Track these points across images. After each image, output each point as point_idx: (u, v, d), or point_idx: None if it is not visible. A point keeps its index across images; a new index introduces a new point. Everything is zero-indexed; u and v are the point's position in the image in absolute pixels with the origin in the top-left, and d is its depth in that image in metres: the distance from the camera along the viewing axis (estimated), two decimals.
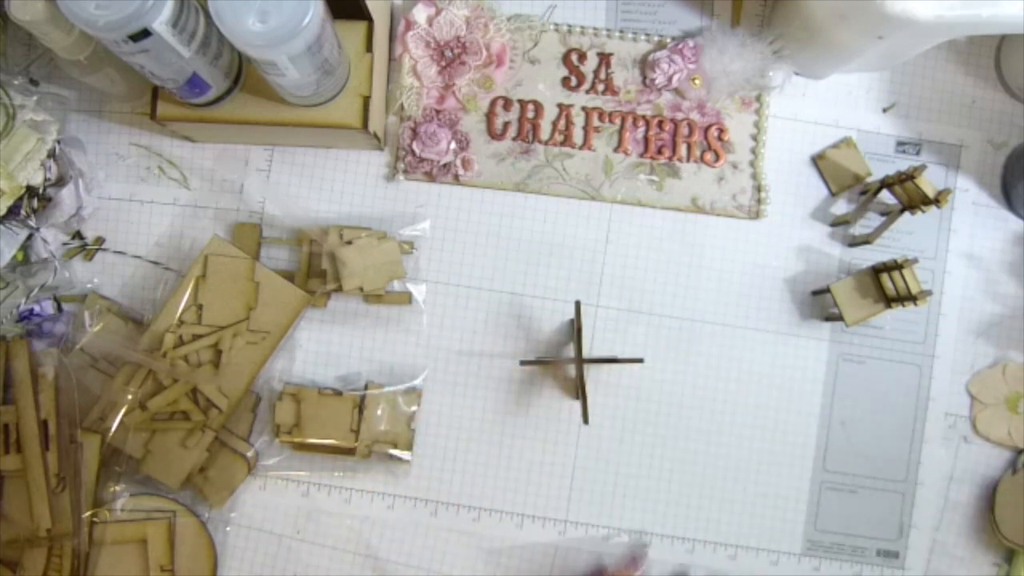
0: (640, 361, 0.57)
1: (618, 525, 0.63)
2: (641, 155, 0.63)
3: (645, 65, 0.63)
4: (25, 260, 0.61)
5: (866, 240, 0.62)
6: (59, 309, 0.62)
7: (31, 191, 0.59)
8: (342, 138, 0.61)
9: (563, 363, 0.62)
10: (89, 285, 0.63)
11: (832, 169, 0.64)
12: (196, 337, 0.60)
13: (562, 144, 0.63)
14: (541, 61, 0.64)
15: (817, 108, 0.64)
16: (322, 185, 0.64)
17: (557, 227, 0.64)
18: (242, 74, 0.57)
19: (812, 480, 0.63)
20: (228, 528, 0.62)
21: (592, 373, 0.63)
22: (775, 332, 0.63)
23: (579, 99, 0.64)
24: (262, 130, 0.59)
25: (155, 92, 0.57)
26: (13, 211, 0.58)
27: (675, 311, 0.63)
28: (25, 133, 0.57)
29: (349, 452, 0.61)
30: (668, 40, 0.63)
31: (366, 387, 0.62)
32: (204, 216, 0.64)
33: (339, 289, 0.60)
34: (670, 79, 0.62)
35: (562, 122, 0.63)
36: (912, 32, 0.52)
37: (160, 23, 0.45)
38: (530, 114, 0.63)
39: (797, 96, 0.64)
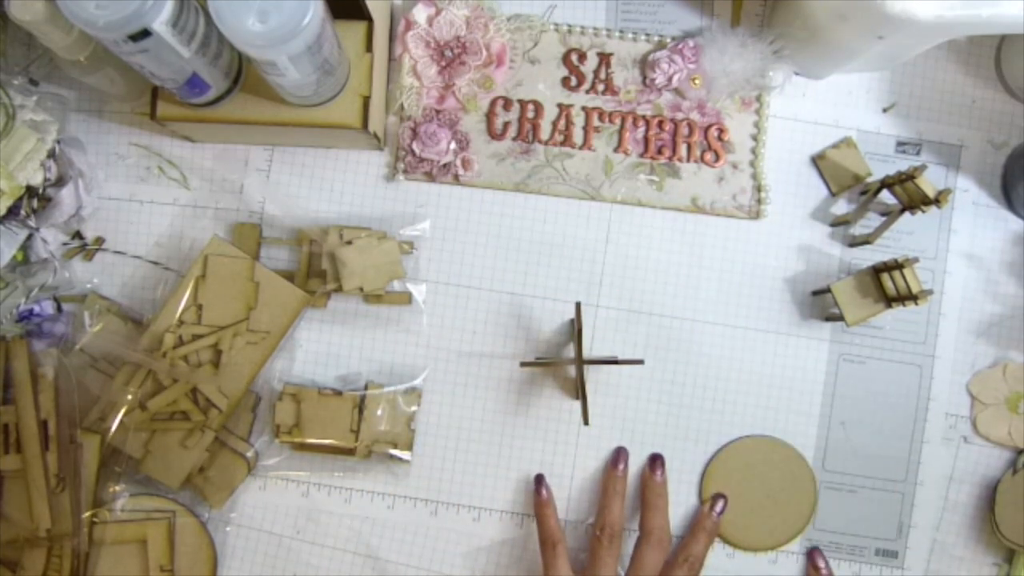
0: (640, 362, 0.57)
1: None
2: (641, 155, 0.63)
3: (645, 65, 0.63)
4: (25, 260, 0.61)
5: (866, 240, 0.62)
6: (59, 309, 0.62)
7: (31, 191, 0.59)
8: (342, 138, 0.61)
9: (563, 364, 0.62)
10: (89, 285, 0.63)
11: (832, 169, 0.64)
12: (196, 337, 0.60)
13: (562, 144, 0.63)
14: (541, 61, 0.64)
15: (817, 108, 0.64)
16: (322, 185, 0.64)
17: (557, 227, 0.64)
18: (242, 74, 0.57)
19: None
20: (228, 528, 0.62)
21: (592, 373, 0.63)
22: (775, 332, 0.63)
23: (579, 99, 0.64)
24: (262, 130, 0.59)
25: (155, 92, 0.57)
26: (13, 211, 0.58)
27: (675, 311, 0.63)
28: (25, 133, 0.57)
29: (349, 452, 0.61)
30: (668, 40, 0.63)
31: (366, 387, 0.62)
32: (204, 216, 0.64)
33: (339, 289, 0.60)
34: (670, 79, 0.62)
35: (562, 122, 0.63)
36: (912, 32, 0.52)
37: (160, 23, 0.45)
38: (530, 114, 0.63)
39: (797, 96, 0.64)
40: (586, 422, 0.55)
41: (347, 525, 0.63)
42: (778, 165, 0.64)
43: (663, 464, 0.62)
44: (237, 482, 0.61)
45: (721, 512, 0.61)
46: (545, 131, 0.63)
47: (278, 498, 0.63)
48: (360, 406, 0.61)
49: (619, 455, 0.62)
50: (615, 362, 0.59)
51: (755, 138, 0.63)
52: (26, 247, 0.61)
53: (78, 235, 0.63)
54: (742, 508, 0.62)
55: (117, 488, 0.60)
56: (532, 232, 0.64)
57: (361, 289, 0.60)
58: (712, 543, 0.61)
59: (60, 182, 0.60)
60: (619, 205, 0.64)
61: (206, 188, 0.64)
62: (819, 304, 0.63)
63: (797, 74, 0.64)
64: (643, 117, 0.63)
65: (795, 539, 0.63)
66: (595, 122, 0.63)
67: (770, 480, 0.62)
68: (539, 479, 0.62)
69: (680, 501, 0.63)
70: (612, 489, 0.61)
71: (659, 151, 0.63)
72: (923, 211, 0.57)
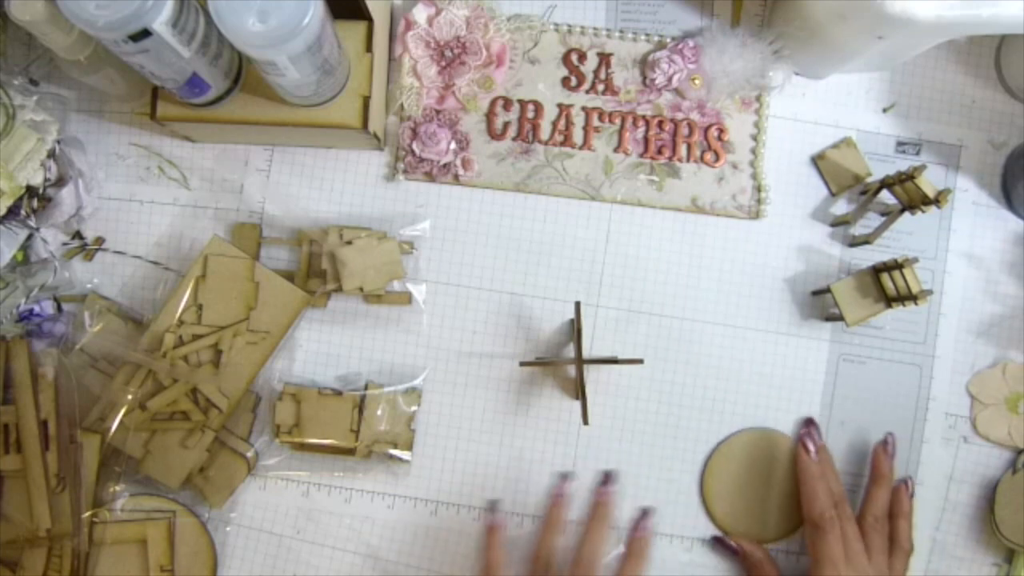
0: (640, 362, 0.57)
1: (618, 525, 0.62)
2: (641, 155, 0.63)
3: (645, 65, 0.63)
4: (25, 260, 0.61)
5: (866, 240, 0.62)
6: (59, 309, 0.62)
7: (31, 191, 0.59)
8: (342, 138, 0.61)
9: (563, 364, 0.62)
10: (89, 285, 0.63)
11: (832, 169, 0.64)
12: (196, 337, 0.60)
13: (562, 144, 0.63)
14: (541, 61, 0.64)
15: (817, 108, 0.64)
16: (322, 185, 0.64)
17: (557, 227, 0.64)
18: (242, 74, 0.57)
19: None
20: (228, 528, 0.62)
21: (592, 373, 0.63)
22: (775, 332, 0.64)
23: (579, 99, 0.64)
24: (262, 130, 0.59)
25: (155, 92, 0.57)
26: (13, 211, 0.58)
27: (675, 311, 0.63)
28: (25, 133, 0.57)
29: (349, 452, 0.61)
30: (668, 40, 0.63)
31: (366, 387, 0.62)
32: (204, 216, 0.64)
33: (339, 289, 0.60)
34: (670, 79, 0.62)
35: (562, 122, 0.63)
36: (912, 32, 0.52)
37: (160, 23, 0.45)
38: (530, 114, 0.63)
39: (797, 96, 0.64)
40: (586, 422, 0.55)
41: (347, 525, 0.63)
42: (778, 165, 0.64)
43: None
44: (237, 482, 0.61)
45: (647, 528, 0.60)
46: (545, 131, 0.63)
47: (278, 498, 0.63)
48: (360, 406, 0.61)
49: (562, 485, 0.61)
50: (615, 362, 0.59)
51: (755, 138, 0.63)
52: (26, 247, 0.61)
53: (78, 235, 0.63)
54: (743, 501, 0.62)
55: (117, 488, 0.60)
56: (532, 232, 0.64)
57: (361, 289, 0.60)
58: (647, 563, 0.59)
59: (60, 182, 0.60)
60: (619, 205, 0.64)
61: (206, 188, 0.64)
62: (819, 304, 0.63)
63: (797, 74, 0.64)
64: (643, 117, 0.63)
65: (796, 532, 0.63)
66: (595, 122, 0.63)
67: (771, 472, 0.62)
68: (492, 509, 0.61)
69: (680, 501, 0.63)
70: (554, 519, 0.59)
71: (659, 151, 0.63)
72: (923, 211, 0.57)
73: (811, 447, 0.60)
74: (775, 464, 0.63)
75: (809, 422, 0.62)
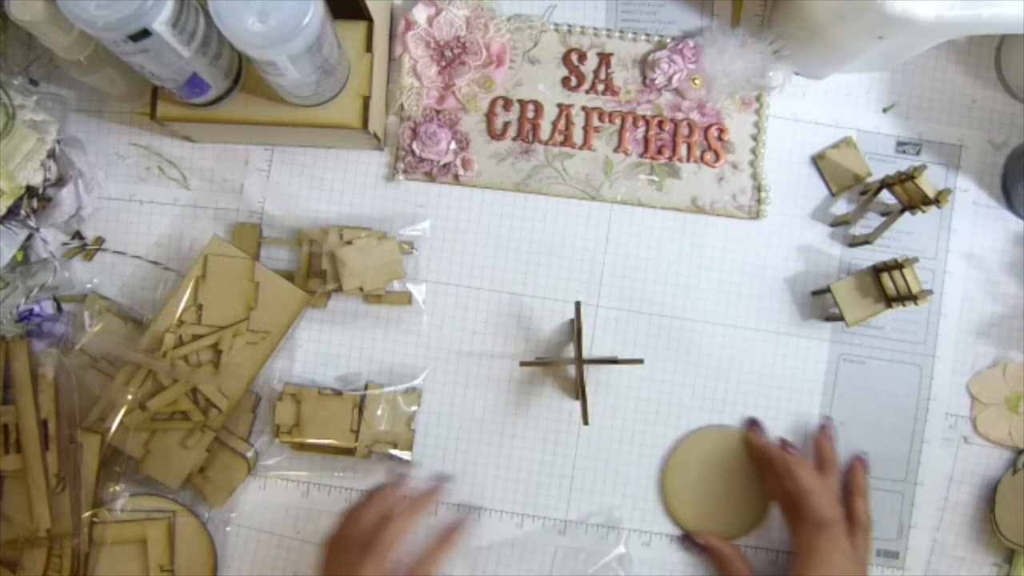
0: (640, 362, 0.57)
1: (618, 525, 0.63)
2: (641, 155, 0.63)
3: (645, 65, 0.63)
4: (25, 260, 0.61)
5: (866, 240, 0.62)
6: (59, 309, 0.62)
7: (31, 191, 0.59)
8: (342, 138, 0.61)
9: (563, 364, 0.62)
10: (89, 285, 0.63)
11: (832, 169, 0.64)
12: (196, 337, 0.60)
13: (562, 144, 0.63)
14: (541, 61, 0.64)
15: (817, 108, 0.64)
16: (322, 185, 0.64)
17: (557, 227, 0.64)
18: (242, 74, 0.57)
19: None
20: (228, 528, 0.62)
21: (592, 373, 0.63)
22: (775, 332, 0.63)
23: (579, 99, 0.63)
24: (262, 130, 0.59)
25: (155, 92, 0.57)
26: (13, 211, 0.58)
27: (675, 311, 0.63)
28: (25, 133, 0.57)
29: (349, 452, 0.61)
30: (668, 40, 0.63)
31: (366, 387, 0.62)
32: (204, 216, 0.64)
33: (339, 289, 0.60)
34: (670, 79, 0.62)
35: (562, 122, 0.63)
36: (912, 32, 0.52)
37: (160, 23, 0.45)
38: (530, 114, 0.63)
39: (797, 96, 0.64)
40: (586, 422, 0.55)
41: None
42: (778, 165, 0.64)
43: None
44: (237, 482, 0.61)
45: (465, 523, 0.56)
46: (545, 131, 0.63)
47: (278, 498, 0.63)
48: (360, 406, 0.61)
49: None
50: (615, 362, 0.59)
51: (755, 138, 0.63)
52: (26, 247, 0.61)
53: (78, 235, 0.63)
54: (703, 501, 0.62)
55: (117, 488, 0.60)
56: (532, 232, 0.64)
57: (361, 289, 0.60)
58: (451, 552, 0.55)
59: (60, 182, 0.60)
60: (619, 205, 0.64)
61: (206, 188, 0.64)
62: (819, 304, 0.63)
63: (797, 74, 0.64)
64: (643, 117, 0.63)
65: (760, 526, 0.62)
66: (595, 122, 0.63)
67: (727, 468, 0.62)
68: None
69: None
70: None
71: (659, 151, 0.63)
72: (923, 211, 0.57)
73: (791, 449, 0.61)
74: (729, 459, 0.62)
75: (755, 423, 0.63)
